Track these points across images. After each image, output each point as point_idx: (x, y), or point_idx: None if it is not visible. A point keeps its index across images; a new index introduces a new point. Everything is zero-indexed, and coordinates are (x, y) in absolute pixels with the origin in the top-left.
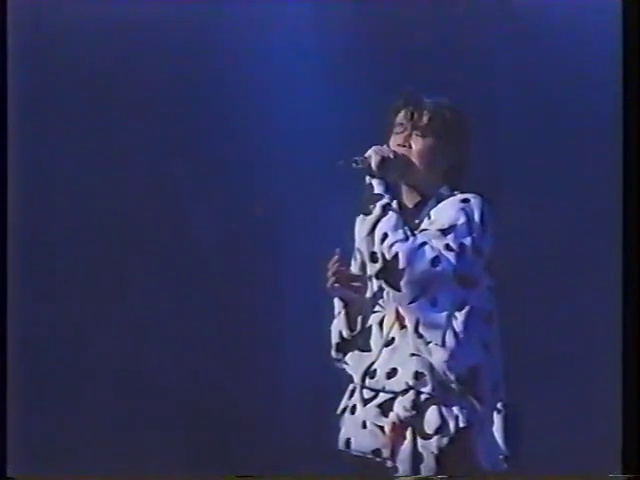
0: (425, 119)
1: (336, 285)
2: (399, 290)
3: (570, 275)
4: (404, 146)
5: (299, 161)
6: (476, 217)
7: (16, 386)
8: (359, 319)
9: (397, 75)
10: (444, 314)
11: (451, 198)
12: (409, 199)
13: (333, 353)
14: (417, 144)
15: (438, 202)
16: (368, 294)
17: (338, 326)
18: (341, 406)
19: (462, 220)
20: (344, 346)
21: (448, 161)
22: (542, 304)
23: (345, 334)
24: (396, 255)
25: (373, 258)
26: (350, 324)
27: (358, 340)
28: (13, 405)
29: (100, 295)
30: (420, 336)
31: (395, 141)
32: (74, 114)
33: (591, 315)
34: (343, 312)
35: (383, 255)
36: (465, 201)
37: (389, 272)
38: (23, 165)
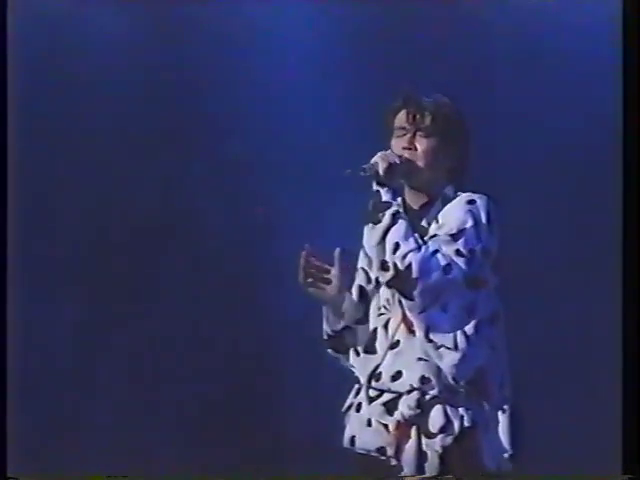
0: (428, 120)
1: (308, 280)
2: (412, 299)
3: (571, 275)
4: (409, 149)
5: (304, 162)
6: (483, 218)
7: (16, 386)
8: (340, 315)
9: (398, 74)
10: (454, 318)
11: (457, 199)
12: (414, 200)
13: (329, 351)
14: (422, 145)
15: (443, 203)
16: (374, 301)
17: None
18: (346, 404)
19: (470, 223)
20: (332, 343)
21: (451, 160)
22: (544, 303)
23: (329, 331)
24: (409, 265)
25: (384, 267)
26: (328, 321)
27: (346, 338)
28: (13, 405)
29: (101, 294)
30: (430, 341)
31: (399, 144)
32: (80, 115)
33: (592, 315)
34: (324, 308)
35: (395, 265)
36: (471, 202)
37: (401, 281)
38: (29, 166)
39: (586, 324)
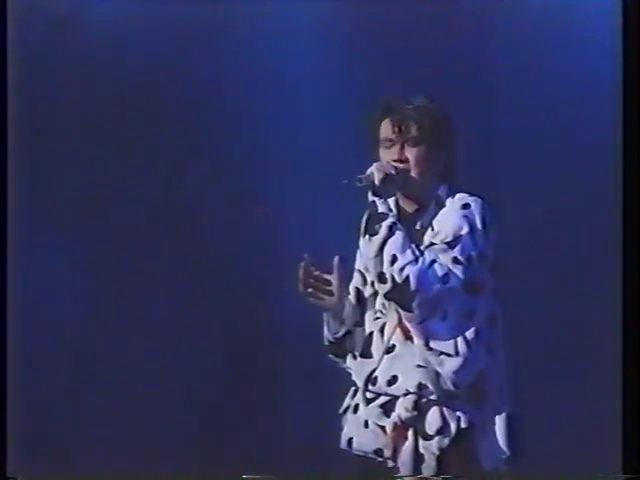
0: (414, 129)
1: (308, 290)
2: (411, 311)
3: (570, 276)
4: (401, 161)
5: (305, 163)
6: (478, 223)
7: (16, 386)
8: (341, 321)
9: (399, 75)
10: (453, 325)
11: (451, 204)
12: (408, 204)
13: (330, 356)
14: (412, 155)
15: (437, 205)
16: (372, 304)
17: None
18: (344, 405)
19: (465, 229)
20: (333, 349)
21: (442, 163)
22: (542, 305)
23: (330, 338)
24: (407, 278)
25: (382, 279)
26: (329, 328)
27: (347, 343)
28: (13, 405)
29: (102, 294)
30: (430, 349)
31: (388, 156)
32: (81, 115)
33: (591, 316)
34: (324, 315)
35: (393, 277)
36: (465, 207)
37: (399, 294)
38: (29, 167)
39: (586, 324)
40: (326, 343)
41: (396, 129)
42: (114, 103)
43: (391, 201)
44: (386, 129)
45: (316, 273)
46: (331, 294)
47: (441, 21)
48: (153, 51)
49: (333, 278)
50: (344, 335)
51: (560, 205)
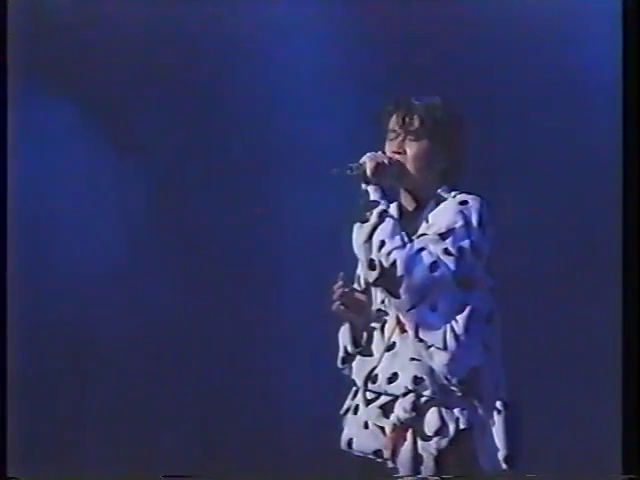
0: (417, 123)
1: (341, 308)
2: (398, 297)
3: (570, 275)
4: (399, 152)
5: (306, 162)
6: (474, 219)
7: (16, 386)
8: (364, 334)
9: (398, 74)
10: (444, 317)
11: (449, 200)
12: (408, 202)
13: (339, 364)
14: (411, 149)
15: (437, 204)
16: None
17: (343, 341)
18: (345, 406)
19: (460, 223)
20: (349, 359)
21: (444, 161)
22: (542, 304)
23: (350, 349)
24: (394, 263)
25: (371, 265)
26: (355, 340)
27: (363, 352)
28: (13, 405)
29: (102, 294)
30: (421, 340)
31: (390, 147)
32: (80, 115)
33: (592, 316)
34: (348, 328)
35: (381, 263)
36: (463, 203)
37: (387, 280)
38: (28, 166)
39: (586, 324)
40: (343, 355)
41: (400, 121)
42: (113, 103)
43: (394, 204)
44: (392, 121)
45: (347, 291)
46: (361, 314)
47: (441, 21)
48: (153, 50)
49: (364, 297)
50: (364, 347)
51: (560, 205)
